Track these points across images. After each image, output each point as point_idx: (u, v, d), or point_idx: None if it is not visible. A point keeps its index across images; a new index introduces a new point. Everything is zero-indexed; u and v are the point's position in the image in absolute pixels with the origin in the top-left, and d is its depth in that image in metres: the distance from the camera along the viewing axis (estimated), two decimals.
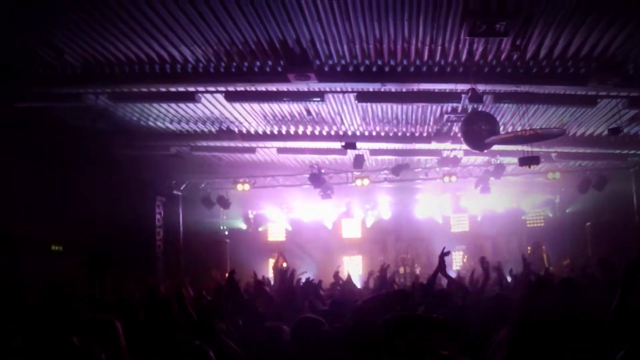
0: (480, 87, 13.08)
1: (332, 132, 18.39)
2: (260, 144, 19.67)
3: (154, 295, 9.88)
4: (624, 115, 15.86)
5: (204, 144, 19.44)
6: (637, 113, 16.20)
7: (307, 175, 22.24)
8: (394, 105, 15.79)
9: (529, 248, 25.96)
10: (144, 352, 5.79)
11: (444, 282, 11.36)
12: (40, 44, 11.97)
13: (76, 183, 18.38)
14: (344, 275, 16.49)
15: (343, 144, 17.96)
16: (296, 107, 16.11)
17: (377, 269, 15.24)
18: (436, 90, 14.24)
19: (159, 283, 16.75)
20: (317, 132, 18.46)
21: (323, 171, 22.49)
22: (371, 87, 14.01)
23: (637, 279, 5.18)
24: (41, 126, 16.36)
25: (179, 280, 16.25)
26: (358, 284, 17.37)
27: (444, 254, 9.27)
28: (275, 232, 30.17)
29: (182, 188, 24.87)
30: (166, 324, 7.14)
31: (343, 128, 18.00)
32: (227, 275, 21.21)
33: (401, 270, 26.81)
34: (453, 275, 13.60)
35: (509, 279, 13.87)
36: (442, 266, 9.33)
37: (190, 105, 15.52)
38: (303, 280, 13.50)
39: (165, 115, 16.69)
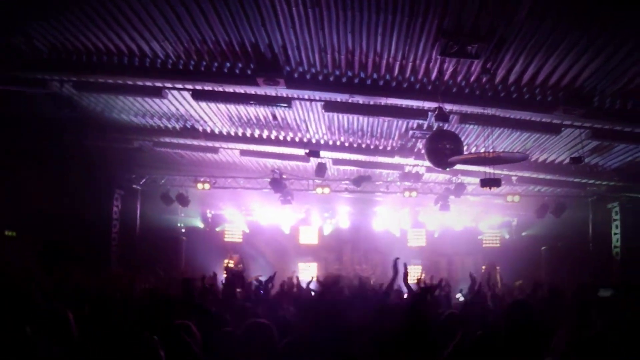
0: (448, 107, 13.19)
1: (297, 139, 18.35)
2: (224, 144, 19.57)
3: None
4: (586, 146, 16.05)
5: (167, 140, 19.27)
6: (599, 144, 16.43)
7: (268, 180, 22.20)
8: (360, 117, 15.79)
9: (483, 267, 26.13)
10: (94, 343, 5.72)
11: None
12: (9, 29, 11.77)
13: (35, 172, 18.21)
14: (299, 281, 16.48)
15: (307, 151, 17.98)
16: (262, 111, 16.04)
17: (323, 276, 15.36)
18: (403, 106, 14.26)
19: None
20: (281, 138, 18.40)
21: (284, 176, 22.48)
22: (339, 97, 13.98)
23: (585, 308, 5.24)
24: (1, 115, 16.16)
25: (133, 273, 16.09)
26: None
27: (396, 263, 9.28)
28: (233, 233, 30.03)
29: (141, 182, 24.65)
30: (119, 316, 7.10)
31: (308, 135, 17.98)
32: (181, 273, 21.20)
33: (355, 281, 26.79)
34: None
35: (460, 297, 13.97)
36: (398, 275, 9.34)
37: (157, 100, 15.37)
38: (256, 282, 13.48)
39: (130, 108, 16.51)
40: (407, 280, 9.77)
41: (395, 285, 9.83)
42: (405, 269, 9.79)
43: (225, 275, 22.47)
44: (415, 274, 27.07)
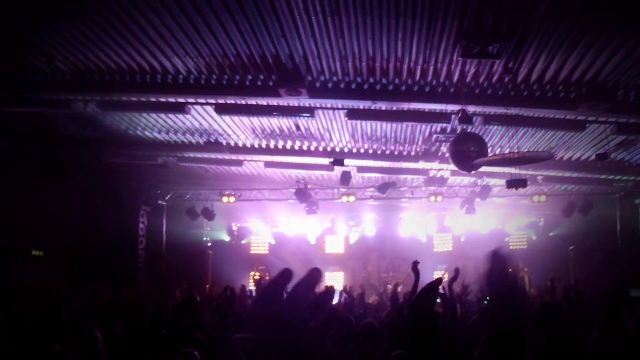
0: (471, 108, 13.15)
1: (320, 148, 18.36)
2: (248, 157, 19.64)
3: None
4: (611, 141, 15.93)
5: (191, 155, 19.38)
6: (624, 139, 16.28)
7: (293, 190, 22.23)
8: (384, 124, 15.79)
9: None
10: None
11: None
12: (32, 49, 11.89)
13: (61, 190, 18.35)
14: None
15: (331, 160, 17.98)
16: (285, 122, 16.09)
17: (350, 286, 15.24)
18: (426, 110, 14.29)
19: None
20: (305, 147, 18.43)
21: (309, 186, 22.49)
22: (362, 104, 14.01)
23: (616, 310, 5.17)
24: (28, 135, 16.35)
25: (163, 288, 16.14)
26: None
27: (416, 266, 9.17)
28: (259, 245, 30.05)
29: (166, 198, 24.79)
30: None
31: (331, 144, 17.99)
32: (207, 287, 21.24)
33: (388, 287, 26.69)
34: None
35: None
36: (419, 278, 9.22)
37: (180, 116, 15.47)
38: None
39: (153, 125, 16.62)
40: (452, 285, 9.67)
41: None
42: (457, 273, 9.68)
43: (254, 288, 22.48)
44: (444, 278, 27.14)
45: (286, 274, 1.76)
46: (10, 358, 5.62)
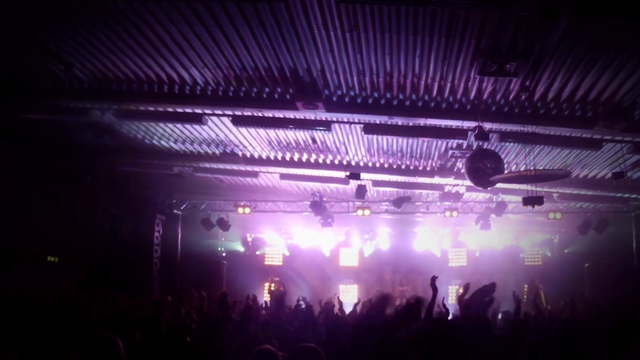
0: (487, 125, 13.14)
1: (336, 162, 18.38)
2: (264, 168, 19.69)
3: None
4: (628, 160, 15.86)
5: (207, 165, 19.44)
6: None
7: (308, 202, 22.30)
8: (400, 139, 15.81)
9: (525, 286, 25.81)
10: None
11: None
12: (50, 57, 11.99)
13: (77, 198, 18.46)
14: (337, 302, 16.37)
15: (347, 173, 17.98)
16: (302, 135, 16.13)
17: (366, 298, 15.19)
18: (443, 126, 14.31)
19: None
20: (320, 161, 18.45)
21: (324, 199, 22.52)
22: (378, 119, 14.04)
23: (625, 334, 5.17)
24: (46, 143, 16.50)
25: (180, 298, 16.17)
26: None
27: (434, 282, 9.18)
28: (273, 256, 30.01)
29: (182, 208, 24.92)
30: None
31: (347, 158, 18.01)
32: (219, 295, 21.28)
33: (398, 302, 26.63)
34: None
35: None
36: (437, 293, 9.22)
37: (197, 126, 15.52)
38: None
39: (170, 135, 16.70)
40: (461, 299, 9.70)
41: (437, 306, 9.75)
42: (466, 287, 9.72)
43: (269, 299, 22.56)
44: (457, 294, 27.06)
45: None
46: None
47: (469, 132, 14.08)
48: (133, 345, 7.21)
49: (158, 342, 7.73)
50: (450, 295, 26.69)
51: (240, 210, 23.17)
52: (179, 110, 14.43)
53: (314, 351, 5.56)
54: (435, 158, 17.57)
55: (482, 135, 12.74)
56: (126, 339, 6.32)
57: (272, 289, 26.49)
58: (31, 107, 14.38)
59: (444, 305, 12.68)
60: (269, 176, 21.07)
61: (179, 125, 15.80)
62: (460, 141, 15.35)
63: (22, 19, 10.49)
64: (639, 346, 5.97)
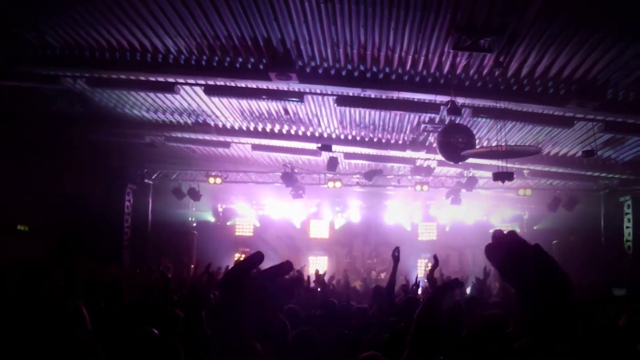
0: (460, 100, 13.18)
1: (308, 133, 18.38)
2: (235, 139, 19.63)
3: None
4: (599, 139, 16.02)
5: (179, 135, 19.33)
6: (611, 137, 16.41)
7: (280, 174, 22.27)
8: (372, 111, 15.79)
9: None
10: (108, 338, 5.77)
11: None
12: (22, 23, 11.81)
13: (48, 167, 18.31)
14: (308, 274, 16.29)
15: (319, 145, 18.00)
16: (274, 106, 16.07)
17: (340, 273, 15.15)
18: (415, 100, 14.30)
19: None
20: (293, 132, 18.43)
21: (296, 171, 22.53)
22: (351, 91, 14.03)
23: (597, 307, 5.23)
24: (16, 111, 16.28)
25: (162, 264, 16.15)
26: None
27: (396, 253, 9.10)
28: (244, 227, 30.12)
29: (153, 177, 24.78)
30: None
31: (319, 130, 18.00)
32: (192, 267, 21.28)
33: (372, 274, 26.78)
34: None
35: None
36: (398, 264, 9.12)
37: (169, 95, 15.41)
38: None
39: (142, 103, 16.56)
40: (432, 274, 9.72)
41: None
42: (436, 261, 9.74)
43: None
44: (426, 268, 27.28)
45: (258, 256, 1.89)
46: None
47: (442, 107, 14.13)
48: (99, 314, 7.18)
49: (130, 311, 7.69)
50: (420, 269, 27.00)
51: (211, 180, 23.09)
52: (151, 79, 14.27)
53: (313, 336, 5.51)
54: (408, 132, 17.60)
55: (455, 110, 12.75)
56: (92, 307, 6.30)
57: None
58: (2, 74, 14.16)
59: (417, 283, 12.76)
60: (241, 147, 21.02)
61: (151, 94, 15.68)
62: (433, 115, 15.41)
63: None
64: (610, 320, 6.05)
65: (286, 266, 1.88)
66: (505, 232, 1.75)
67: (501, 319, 5.51)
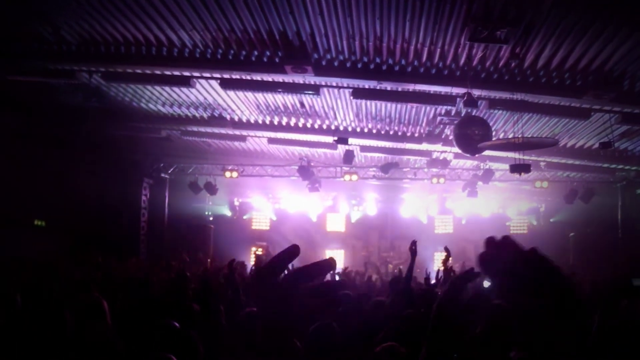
0: (476, 92, 13.11)
1: (324, 126, 18.37)
2: (252, 132, 19.65)
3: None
4: (615, 130, 15.91)
5: (195, 129, 19.37)
6: (628, 129, 16.29)
7: (296, 167, 22.28)
8: (388, 104, 15.76)
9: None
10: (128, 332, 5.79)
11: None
12: (37, 18, 11.85)
13: (65, 162, 18.38)
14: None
15: (335, 138, 17.99)
16: (290, 99, 16.07)
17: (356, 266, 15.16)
18: (432, 92, 14.26)
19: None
20: (309, 125, 18.42)
21: (312, 164, 22.53)
22: (367, 84, 14.00)
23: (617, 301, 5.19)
24: (32, 106, 16.35)
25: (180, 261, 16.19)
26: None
27: (414, 247, 9.12)
28: (260, 221, 30.17)
29: (169, 171, 24.87)
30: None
31: (335, 123, 17.98)
32: (209, 261, 21.32)
33: (389, 267, 26.74)
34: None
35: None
36: (416, 258, 9.15)
37: (185, 89, 15.45)
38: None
39: (158, 98, 16.60)
40: (445, 264, 9.73)
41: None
42: (448, 252, 9.75)
43: (254, 263, 22.64)
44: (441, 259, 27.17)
45: (294, 249, 1.66)
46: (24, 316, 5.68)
47: (458, 99, 14.08)
48: (120, 309, 7.22)
49: (150, 305, 7.70)
50: (436, 262, 26.93)
51: (227, 174, 23.14)
52: (167, 73, 14.31)
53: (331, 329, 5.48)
54: (424, 124, 17.56)
55: (471, 102, 12.72)
56: (114, 302, 6.34)
57: (260, 253, 26.57)
58: (18, 69, 14.21)
59: (427, 279, 12.70)
60: (257, 140, 21.03)
61: (167, 88, 15.72)
62: (449, 107, 15.35)
63: None
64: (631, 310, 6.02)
65: (327, 264, 1.60)
66: (500, 238, 1.65)
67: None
